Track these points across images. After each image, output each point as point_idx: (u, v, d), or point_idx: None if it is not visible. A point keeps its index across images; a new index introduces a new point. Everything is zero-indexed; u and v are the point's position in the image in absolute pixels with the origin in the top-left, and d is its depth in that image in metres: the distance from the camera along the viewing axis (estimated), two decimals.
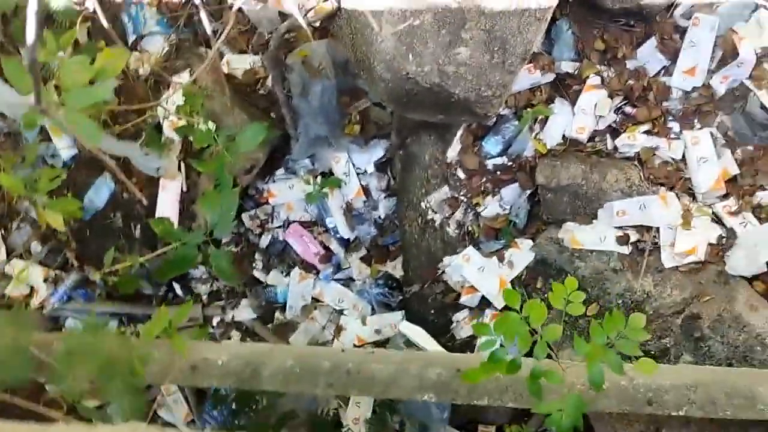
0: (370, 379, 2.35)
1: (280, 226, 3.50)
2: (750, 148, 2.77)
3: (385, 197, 3.41)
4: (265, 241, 3.53)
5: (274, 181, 3.44)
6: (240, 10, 3.10)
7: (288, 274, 3.50)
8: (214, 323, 3.58)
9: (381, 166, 3.38)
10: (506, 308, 1.86)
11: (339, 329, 3.41)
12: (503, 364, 1.80)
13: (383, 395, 2.47)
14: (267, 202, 3.46)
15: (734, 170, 2.76)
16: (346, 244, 3.46)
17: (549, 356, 1.82)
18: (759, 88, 2.66)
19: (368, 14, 2.18)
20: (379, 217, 3.43)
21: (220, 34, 2.25)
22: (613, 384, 2.21)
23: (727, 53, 2.72)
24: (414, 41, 2.31)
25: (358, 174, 3.37)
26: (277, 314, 3.53)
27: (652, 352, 2.68)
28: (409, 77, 2.40)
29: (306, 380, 2.39)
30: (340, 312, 3.42)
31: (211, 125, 2.88)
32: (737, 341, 2.57)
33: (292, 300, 3.47)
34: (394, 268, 3.43)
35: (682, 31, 2.78)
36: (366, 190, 3.40)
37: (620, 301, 2.76)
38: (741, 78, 2.70)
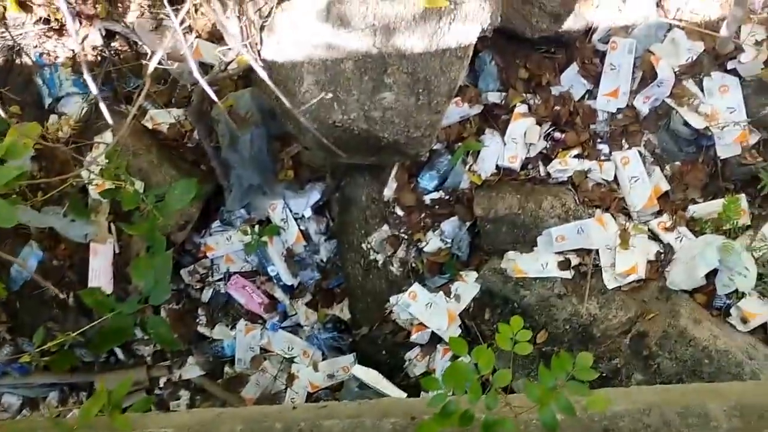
0: None
1: (220, 279, 3.42)
2: (678, 163, 2.83)
3: (325, 240, 3.37)
4: (206, 295, 3.45)
5: (210, 235, 3.36)
6: (160, 63, 3.03)
7: (233, 327, 3.42)
8: (161, 384, 3.47)
9: (319, 209, 3.34)
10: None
11: (291, 377, 3.34)
12: (456, 416, 1.76)
13: None
14: (205, 256, 3.38)
15: (665, 186, 2.81)
16: (290, 290, 3.40)
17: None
18: (680, 106, 2.72)
19: (289, 64, 2.14)
20: (322, 260, 3.38)
21: (141, 91, 2.17)
22: (567, 416, 2.19)
23: (646, 74, 2.78)
24: (338, 89, 2.28)
25: (296, 219, 3.32)
26: (226, 368, 3.45)
27: (604, 374, 2.69)
28: (337, 125, 2.37)
29: None
30: (291, 360, 3.36)
31: (139, 184, 2.79)
32: (685, 356, 2.59)
33: (240, 352, 3.40)
34: (341, 311, 3.38)
35: (602, 55, 2.84)
36: (305, 235, 3.35)
37: (568, 326, 2.77)
38: (662, 97, 2.77)
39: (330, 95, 2.23)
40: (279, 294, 3.40)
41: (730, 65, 2.66)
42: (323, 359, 3.36)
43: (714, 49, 2.68)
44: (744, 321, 2.66)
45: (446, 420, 1.77)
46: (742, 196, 2.72)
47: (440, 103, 2.43)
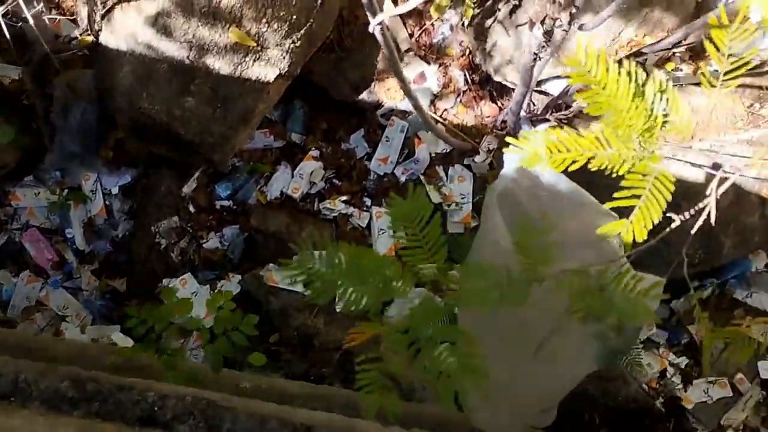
0: None
1: (18, 229, 3.71)
2: None
3: (125, 219, 3.76)
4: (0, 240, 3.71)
5: (20, 186, 3.67)
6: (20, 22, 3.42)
7: (17, 275, 3.69)
8: None
9: (127, 191, 3.74)
10: None
11: (58, 334, 3.62)
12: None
13: None
14: (10, 204, 3.67)
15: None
16: (80, 255, 3.73)
17: None
18: (429, 183, 3.41)
19: (115, 51, 2.64)
20: (117, 236, 3.75)
21: None
22: (255, 386, 2.70)
23: (411, 152, 3.46)
24: (149, 83, 2.79)
25: (104, 193, 3.69)
26: None
27: (312, 377, 3.23)
28: (142, 111, 2.86)
29: None
30: (63, 318, 3.65)
31: None
32: None
33: (16, 299, 3.64)
34: (121, 285, 3.75)
35: (383, 128, 3.50)
36: (109, 210, 3.72)
37: (296, 333, 3.30)
38: (417, 173, 3.45)
39: (141, 86, 2.73)
40: (69, 256, 3.71)
41: (467, 162, 3.39)
42: (92, 324, 3.69)
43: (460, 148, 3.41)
44: None
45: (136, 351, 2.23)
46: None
47: (234, 121, 2.98)
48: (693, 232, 1.08)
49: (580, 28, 2.03)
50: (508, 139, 1.02)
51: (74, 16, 3.59)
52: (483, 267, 0.93)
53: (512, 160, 1.37)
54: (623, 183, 0.98)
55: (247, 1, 2.71)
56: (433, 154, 3.44)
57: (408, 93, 1.97)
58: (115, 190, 3.71)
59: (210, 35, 2.75)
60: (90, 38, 2.93)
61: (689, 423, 3.45)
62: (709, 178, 3.04)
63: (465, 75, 3.40)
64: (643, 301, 0.92)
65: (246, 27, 2.77)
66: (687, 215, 1.09)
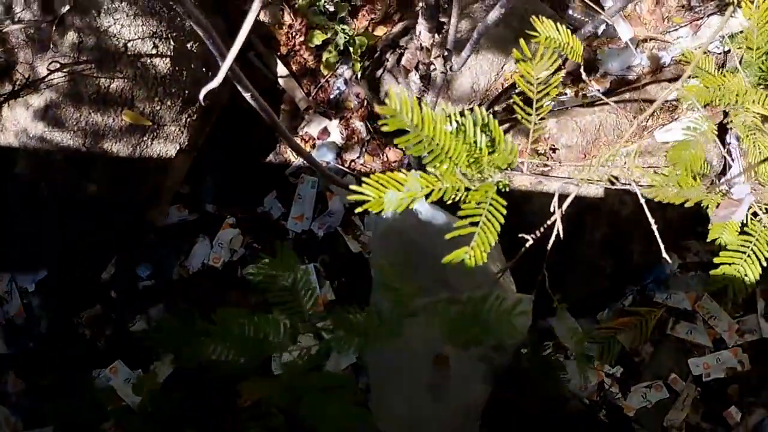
0: None
1: None
2: (344, 279, 3.53)
3: (46, 314, 3.66)
4: None
5: None
6: None
7: None
8: None
9: (43, 286, 3.65)
10: None
11: None
12: None
13: None
14: None
15: (332, 296, 3.49)
16: (2, 359, 3.61)
17: None
18: (346, 234, 3.47)
19: (6, 148, 2.62)
20: (40, 333, 3.64)
21: None
22: None
23: (324, 206, 3.51)
24: (46, 176, 2.78)
25: (20, 293, 3.60)
26: None
27: None
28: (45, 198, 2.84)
29: None
30: None
31: None
32: None
33: None
34: (49, 382, 3.63)
35: (294, 186, 3.54)
36: (28, 308, 3.62)
37: None
38: (334, 225, 3.50)
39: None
40: None
41: None
42: (24, 429, 3.55)
43: None
44: None
45: None
46: None
47: (138, 203, 2.98)
48: (549, 246, 1.15)
49: (450, 69, 2.13)
50: (353, 187, 1.07)
51: None
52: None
53: (390, 201, 1.42)
54: (459, 213, 1.04)
55: (137, 83, 2.75)
56: (347, 205, 3.50)
57: (298, 151, 2.03)
58: (31, 288, 3.63)
59: (103, 120, 2.77)
60: None
61: (633, 431, 3.54)
62: (608, 191, 3.18)
63: (366, 125, 3.50)
64: (508, 319, 0.97)
65: (139, 107, 2.80)
66: (538, 234, 1.16)
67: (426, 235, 1.33)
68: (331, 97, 3.54)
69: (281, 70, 3.45)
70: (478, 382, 1.23)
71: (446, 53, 2.17)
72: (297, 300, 1.09)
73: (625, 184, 3.16)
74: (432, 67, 2.13)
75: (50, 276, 3.63)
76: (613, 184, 3.15)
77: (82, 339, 3.50)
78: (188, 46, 2.85)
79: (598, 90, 3.23)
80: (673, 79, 3.20)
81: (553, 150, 3.11)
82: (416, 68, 2.17)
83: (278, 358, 3.22)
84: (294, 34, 3.45)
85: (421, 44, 2.02)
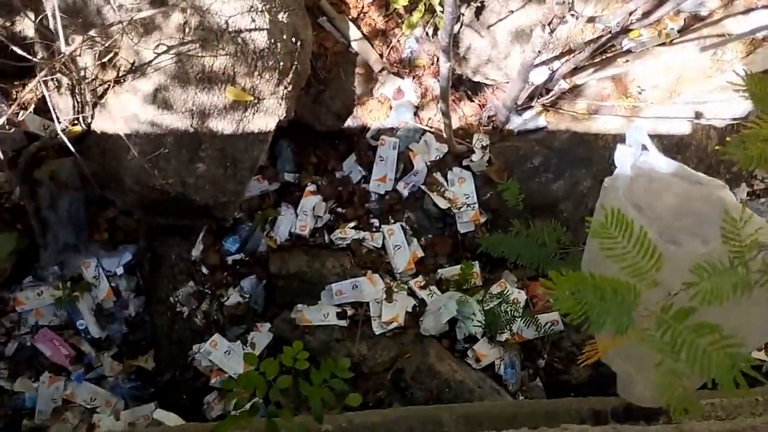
0: None
1: (27, 333, 3.60)
2: (430, 236, 3.61)
3: (134, 297, 3.70)
4: (11, 348, 3.58)
5: (21, 290, 3.56)
6: None
7: (36, 379, 3.58)
8: None
9: (130, 269, 3.68)
10: None
11: (92, 427, 3.55)
12: (245, 412, 2.26)
13: None
14: (14, 310, 3.56)
15: (421, 254, 3.56)
16: (97, 343, 3.66)
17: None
18: (431, 191, 3.52)
19: (122, 136, 2.62)
20: (130, 315, 3.70)
21: None
22: (337, 426, 2.75)
23: (407, 165, 3.56)
24: (159, 159, 2.79)
25: (107, 276, 3.63)
26: (25, 421, 3.56)
27: (370, 404, 3.29)
28: (156, 188, 2.85)
29: None
30: (93, 410, 3.57)
31: None
32: (431, 386, 3.27)
33: (42, 404, 3.54)
34: (146, 362, 3.69)
35: (374, 149, 3.58)
36: (116, 291, 3.66)
37: None
38: (418, 184, 3.55)
39: (151, 164, 2.72)
40: (86, 347, 3.64)
41: (465, 162, 3.52)
42: (125, 409, 3.62)
43: (456, 151, 3.54)
44: (477, 360, 3.41)
45: (238, 416, 2.26)
46: (476, 263, 3.53)
47: (244, 175, 3.01)
48: None
49: (577, 18, 2.17)
50: None
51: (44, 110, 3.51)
52: (718, 266, 1.03)
53: (625, 158, 1.48)
54: None
55: (238, 59, 2.75)
56: (429, 163, 3.55)
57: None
58: (119, 271, 3.65)
59: (209, 99, 2.77)
60: (78, 128, 2.88)
61: None
62: (695, 127, 3.27)
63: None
64: None
65: (240, 83, 2.80)
66: None
67: (672, 186, 1.40)
68: (403, 56, 3.55)
69: (353, 33, 3.44)
70: None
71: (569, 6, 2.20)
72: None
73: (710, 119, 3.26)
74: (564, 20, 2.17)
75: (135, 258, 3.67)
76: (698, 119, 3.25)
77: (179, 316, 3.54)
78: (279, 17, 2.84)
79: (673, 28, 3.27)
80: (746, 11, 3.25)
81: (641, 91, 3.18)
82: (549, 24, 2.21)
83: (427, 318, 3.32)
84: None
85: None
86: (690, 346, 1.00)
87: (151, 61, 2.64)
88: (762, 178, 3.77)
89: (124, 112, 2.71)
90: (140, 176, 2.81)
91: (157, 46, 2.60)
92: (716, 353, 0.98)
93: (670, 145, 3.17)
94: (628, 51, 3.30)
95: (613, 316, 1.03)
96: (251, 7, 2.71)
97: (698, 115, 3.17)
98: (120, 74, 2.66)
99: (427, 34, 3.48)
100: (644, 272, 1.09)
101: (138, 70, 2.65)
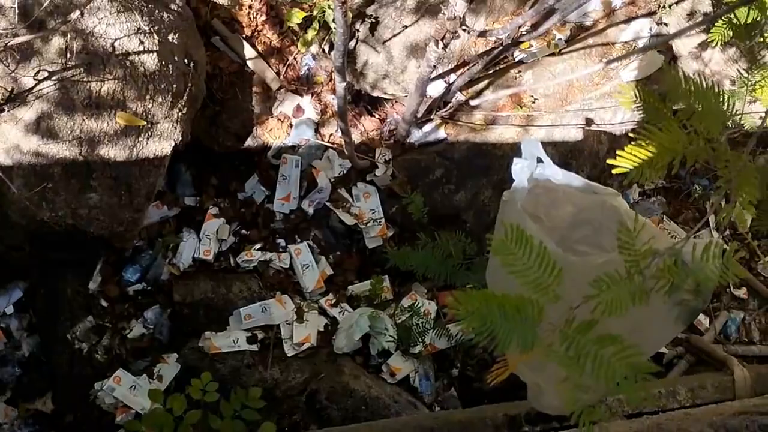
0: None
1: None
2: (338, 253, 3.58)
3: (27, 336, 3.49)
4: None
5: None
6: None
7: None
8: None
9: (21, 306, 3.47)
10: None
11: None
12: None
13: None
14: None
15: (330, 271, 3.53)
16: None
17: None
18: (337, 208, 3.49)
19: None
20: (23, 355, 3.48)
21: None
22: None
23: (311, 183, 3.52)
24: (46, 191, 2.64)
25: None
26: None
27: (286, 429, 3.21)
28: (45, 221, 2.70)
29: None
30: None
31: None
32: (347, 405, 3.23)
33: None
34: (44, 405, 3.47)
35: (276, 168, 3.52)
36: (6, 332, 3.44)
37: None
38: (323, 201, 3.52)
39: (38, 196, 2.57)
40: None
41: (369, 177, 3.51)
42: None
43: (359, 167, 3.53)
44: (392, 374, 3.40)
45: None
46: (386, 277, 3.53)
47: (140, 203, 2.89)
48: None
49: (468, 32, 2.21)
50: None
51: None
52: (616, 277, 1.06)
53: (521, 171, 1.51)
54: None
55: (128, 82, 2.65)
56: (332, 179, 3.53)
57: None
58: (8, 310, 3.44)
59: (98, 126, 2.65)
60: None
61: None
62: (587, 133, 3.39)
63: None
64: (715, 263, 1.10)
65: (132, 108, 2.70)
66: None
67: (571, 197, 1.43)
68: (301, 73, 3.52)
69: (248, 52, 3.38)
70: (671, 325, 1.35)
71: (461, 21, 2.24)
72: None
73: (600, 124, 3.40)
74: (456, 34, 2.20)
75: (26, 294, 3.47)
76: (589, 125, 3.38)
77: (78, 354, 3.36)
78: (169, 38, 2.75)
79: (561, 38, 3.40)
80: (627, 20, 3.41)
81: (534, 100, 3.27)
82: (442, 39, 2.23)
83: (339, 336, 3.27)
84: (255, 14, 3.39)
85: (453, 14, 2.08)
86: (594, 358, 1.02)
87: (32, 88, 2.50)
88: (652, 180, 3.95)
89: (4, 143, 2.55)
90: (26, 210, 2.65)
91: (38, 72, 2.47)
92: (619, 363, 1.00)
93: (564, 152, 3.28)
94: (520, 62, 3.40)
95: (519, 333, 1.04)
96: (138, 28, 2.62)
97: (589, 122, 3.30)
98: None
99: (323, 50, 3.47)
100: (546, 287, 1.11)
101: (17, 98, 2.50)
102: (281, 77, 3.47)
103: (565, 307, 1.10)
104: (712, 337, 3.74)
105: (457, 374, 3.47)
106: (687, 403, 2.57)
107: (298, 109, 3.50)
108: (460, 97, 3.31)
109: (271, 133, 3.48)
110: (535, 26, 3.32)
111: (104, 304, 3.40)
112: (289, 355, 3.33)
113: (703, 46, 3.31)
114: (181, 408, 2.18)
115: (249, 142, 3.48)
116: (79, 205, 2.73)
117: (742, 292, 3.89)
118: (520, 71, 3.34)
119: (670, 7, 3.34)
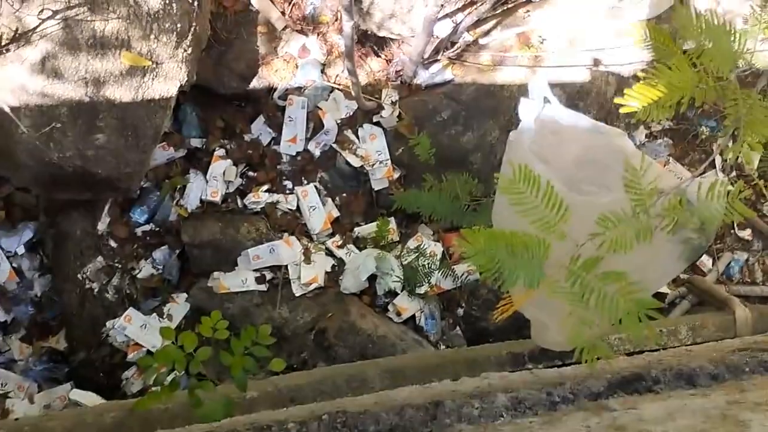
0: None
1: None
2: (345, 195, 3.59)
3: (39, 276, 3.55)
4: None
5: None
6: None
7: None
8: None
9: (32, 247, 3.52)
10: None
11: (6, 413, 3.41)
12: (165, 387, 2.21)
13: None
14: None
15: (336, 213, 3.55)
16: (3, 327, 3.50)
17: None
18: (343, 150, 3.49)
19: (7, 109, 2.46)
20: (36, 295, 3.55)
21: None
22: (262, 391, 2.74)
23: (317, 125, 3.51)
24: (54, 132, 2.64)
25: (8, 257, 3.46)
26: None
27: (295, 366, 3.29)
28: (53, 162, 2.71)
29: None
30: (5, 395, 3.43)
31: None
32: (354, 343, 3.30)
33: None
34: (57, 342, 3.56)
35: (282, 109, 3.51)
36: (19, 272, 3.50)
37: None
38: (329, 143, 3.52)
39: (46, 137, 2.57)
40: None
41: (375, 119, 3.50)
42: (39, 391, 3.50)
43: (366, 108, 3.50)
44: (398, 314, 3.46)
45: (158, 393, 2.20)
46: (392, 219, 3.55)
47: (147, 144, 2.89)
48: None
49: None
50: None
51: None
52: (622, 216, 1.07)
53: (528, 112, 1.51)
54: None
55: (132, 22, 2.62)
56: (339, 121, 3.51)
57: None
58: (20, 250, 3.49)
59: (103, 66, 2.63)
60: None
61: None
62: (594, 74, 3.35)
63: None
64: (720, 202, 1.11)
65: (136, 48, 2.68)
66: None
67: (577, 136, 1.43)
68: (306, 13, 3.47)
69: None
70: (675, 261, 1.37)
71: None
72: None
73: (608, 65, 3.36)
74: None
75: (37, 235, 3.51)
76: (597, 66, 3.34)
77: (89, 293, 3.42)
78: None
79: None
80: None
81: (542, 41, 3.23)
82: None
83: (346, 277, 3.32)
84: None
85: None
86: (598, 294, 1.04)
87: (36, 27, 2.47)
88: (659, 120, 3.92)
89: (10, 84, 2.54)
90: (34, 151, 2.66)
91: (42, 11, 2.44)
92: (623, 300, 1.02)
93: (572, 93, 3.25)
94: (529, 1, 3.34)
95: (525, 271, 1.06)
96: None
97: (597, 63, 3.26)
98: (2, 43, 2.48)
99: None
100: (552, 225, 1.12)
101: (22, 37, 2.48)
102: (286, 16, 3.42)
103: (571, 245, 1.11)
104: (714, 278, 3.77)
105: (462, 314, 3.52)
106: (688, 342, 2.62)
107: (304, 49, 3.46)
108: (467, 37, 3.27)
109: (277, 74, 3.45)
110: None
111: (113, 244, 3.45)
112: (297, 294, 3.38)
113: None
114: (193, 344, 2.21)
115: (255, 83, 3.45)
116: (87, 146, 2.74)
117: (746, 234, 3.89)
118: (528, 11, 3.28)
119: None
